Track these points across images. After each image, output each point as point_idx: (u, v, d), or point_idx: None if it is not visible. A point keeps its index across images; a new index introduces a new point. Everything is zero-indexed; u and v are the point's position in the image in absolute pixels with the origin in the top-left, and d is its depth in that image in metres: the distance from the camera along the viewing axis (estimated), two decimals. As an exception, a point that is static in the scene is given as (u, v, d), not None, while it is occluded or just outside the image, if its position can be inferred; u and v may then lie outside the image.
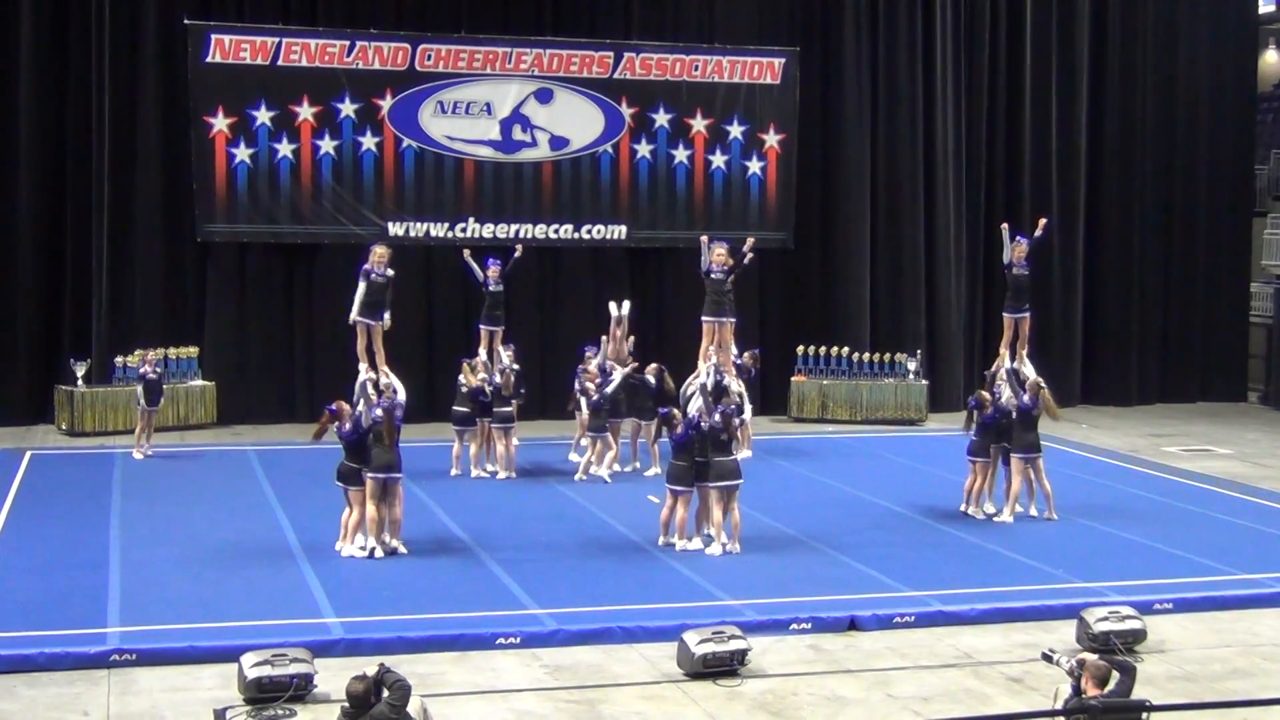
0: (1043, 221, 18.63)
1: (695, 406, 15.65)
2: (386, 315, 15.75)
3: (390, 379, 15.26)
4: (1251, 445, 23.42)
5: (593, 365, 19.59)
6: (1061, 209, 27.18)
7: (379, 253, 15.94)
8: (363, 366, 15.46)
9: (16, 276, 22.91)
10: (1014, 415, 16.83)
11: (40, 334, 23.10)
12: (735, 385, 17.56)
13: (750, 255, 17.69)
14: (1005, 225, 18.06)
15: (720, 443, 15.02)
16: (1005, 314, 17.67)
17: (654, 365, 19.74)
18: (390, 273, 15.88)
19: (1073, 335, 27.56)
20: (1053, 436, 19.42)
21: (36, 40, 22.78)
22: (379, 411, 14.64)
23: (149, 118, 23.16)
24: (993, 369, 17.75)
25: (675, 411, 15.59)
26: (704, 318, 17.53)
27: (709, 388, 16.19)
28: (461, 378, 19.18)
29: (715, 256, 17.15)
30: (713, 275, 17.16)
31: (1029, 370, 17.32)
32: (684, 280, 24.59)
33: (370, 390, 15.01)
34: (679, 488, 15.16)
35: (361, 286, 15.75)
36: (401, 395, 15.10)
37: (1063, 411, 17.41)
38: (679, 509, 15.23)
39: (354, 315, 15.71)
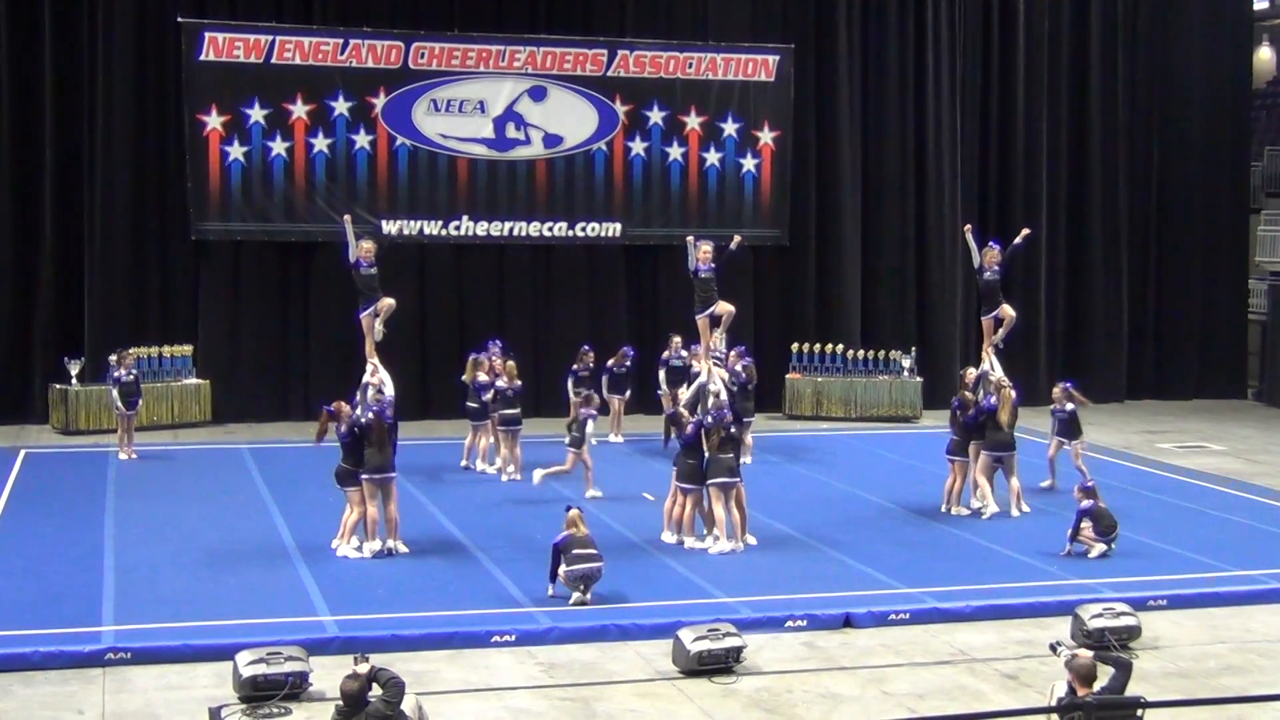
0: (1025, 232, 18.65)
1: (710, 402, 15.56)
2: (379, 324, 15.79)
3: (380, 374, 15.24)
4: (1245, 441, 23.45)
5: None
6: (1055, 206, 27.22)
7: (365, 246, 16.01)
8: (369, 365, 15.43)
9: (9, 275, 22.88)
10: (983, 414, 17.05)
11: (34, 333, 23.04)
12: (715, 385, 17.10)
13: (735, 246, 17.54)
14: (968, 227, 18.16)
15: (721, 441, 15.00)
16: (983, 318, 18.15)
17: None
18: (374, 270, 15.90)
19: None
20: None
21: (30, 38, 22.73)
22: (370, 414, 14.64)
23: (143, 116, 23.14)
24: (976, 373, 17.82)
25: (683, 411, 15.50)
26: (696, 315, 17.33)
27: (712, 389, 15.94)
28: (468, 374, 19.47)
29: (701, 255, 16.85)
30: (700, 274, 16.90)
31: (997, 369, 17.39)
32: (678, 277, 24.52)
33: (370, 394, 14.99)
34: (688, 485, 15.18)
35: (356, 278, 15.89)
36: (389, 392, 15.06)
37: (1013, 421, 17.35)
38: (687, 506, 15.24)
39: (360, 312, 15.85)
